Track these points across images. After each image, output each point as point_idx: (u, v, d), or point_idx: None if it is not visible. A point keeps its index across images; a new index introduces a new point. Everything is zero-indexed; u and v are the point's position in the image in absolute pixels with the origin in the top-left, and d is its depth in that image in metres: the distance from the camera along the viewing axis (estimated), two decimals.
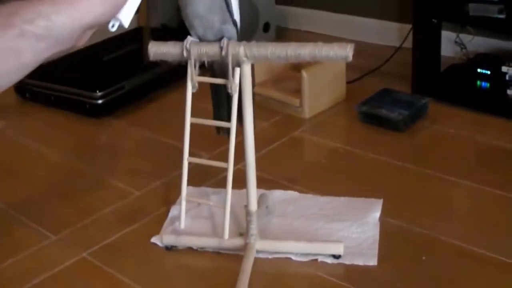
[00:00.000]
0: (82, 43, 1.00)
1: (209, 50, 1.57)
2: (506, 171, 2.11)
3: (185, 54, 1.58)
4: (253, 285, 1.66)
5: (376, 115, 2.42)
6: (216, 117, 1.73)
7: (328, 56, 1.52)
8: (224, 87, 1.61)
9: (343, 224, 1.86)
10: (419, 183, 2.08)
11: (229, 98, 1.64)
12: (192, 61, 1.59)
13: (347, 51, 1.51)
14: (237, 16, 1.60)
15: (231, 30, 1.59)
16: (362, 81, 2.79)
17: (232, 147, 1.63)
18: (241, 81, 1.59)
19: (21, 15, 0.90)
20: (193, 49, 1.58)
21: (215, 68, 1.67)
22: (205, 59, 1.59)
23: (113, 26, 1.03)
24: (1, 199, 2.11)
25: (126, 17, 1.03)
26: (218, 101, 1.72)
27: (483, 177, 2.07)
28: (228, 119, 1.64)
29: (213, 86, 1.71)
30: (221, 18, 1.55)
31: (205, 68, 1.65)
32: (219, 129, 1.75)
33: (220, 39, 1.57)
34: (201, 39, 1.59)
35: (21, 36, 0.89)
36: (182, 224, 1.74)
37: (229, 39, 1.58)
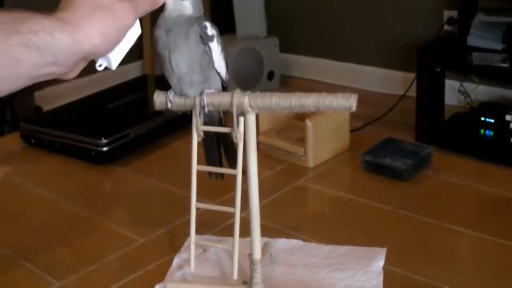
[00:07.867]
0: (74, 75, 1.00)
1: (214, 100, 1.59)
2: (509, 221, 2.11)
3: (169, 105, 1.61)
4: None
5: (380, 164, 2.43)
6: (208, 162, 1.75)
7: (331, 106, 1.53)
8: (213, 134, 1.68)
9: (347, 273, 1.85)
10: (422, 232, 2.07)
11: (218, 144, 1.71)
12: (197, 111, 1.60)
13: (350, 102, 1.52)
14: (222, 70, 1.61)
15: (215, 86, 1.61)
16: (366, 130, 2.81)
17: (238, 190, 1.64)
18: (245, 130, 1.60)
19: (27, 25, 0.90)
20: (197, 100, 1.59)
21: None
22: (211, 109, 1.61)
23: (100, 65, 1.04)
24: (6, 245, 2.11)
25: (115, 58, 1.04)
26: (208, 147, 1.74)
27: (487, 227, 2.06)
28: (219, 164, 1.72)
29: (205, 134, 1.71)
30: (201, 77, 1.57)
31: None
32: (211, 173, 1.77)
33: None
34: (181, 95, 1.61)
35: (24, 44, 0.89)
36: (192, 266, 1.74)
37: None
